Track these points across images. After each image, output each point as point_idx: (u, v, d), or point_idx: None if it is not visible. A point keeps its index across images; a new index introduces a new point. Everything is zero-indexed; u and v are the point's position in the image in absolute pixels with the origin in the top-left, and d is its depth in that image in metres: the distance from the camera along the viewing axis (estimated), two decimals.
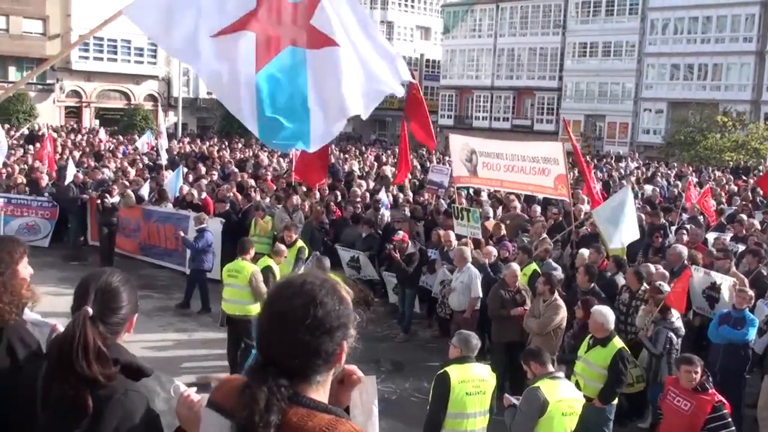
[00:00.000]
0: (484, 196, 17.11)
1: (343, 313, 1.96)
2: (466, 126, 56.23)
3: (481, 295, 10.89)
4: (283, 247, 11.56)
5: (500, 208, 16.45)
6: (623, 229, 11.64)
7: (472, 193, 17.47)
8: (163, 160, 21.62)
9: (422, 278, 13.02)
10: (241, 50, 4.70)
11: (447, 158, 29.70)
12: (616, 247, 11.56)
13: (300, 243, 12.56)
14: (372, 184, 19.91)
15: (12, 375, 2.81)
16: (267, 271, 10.44)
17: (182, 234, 13.93)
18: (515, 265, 10.63)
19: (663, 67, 51.36)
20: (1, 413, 2.79)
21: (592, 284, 9.99)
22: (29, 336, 2.94)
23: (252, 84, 4.71)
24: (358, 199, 16.64)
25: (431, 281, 12.88)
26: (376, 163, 27.35)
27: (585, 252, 11.53)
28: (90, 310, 2.52)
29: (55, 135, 30.62)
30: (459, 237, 12.82)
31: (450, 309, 11.43)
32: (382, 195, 16.98)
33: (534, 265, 11.28)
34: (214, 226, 15.34)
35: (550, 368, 6.51)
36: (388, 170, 22.34)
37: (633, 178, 24.87)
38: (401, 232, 13.22)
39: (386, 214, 15.11)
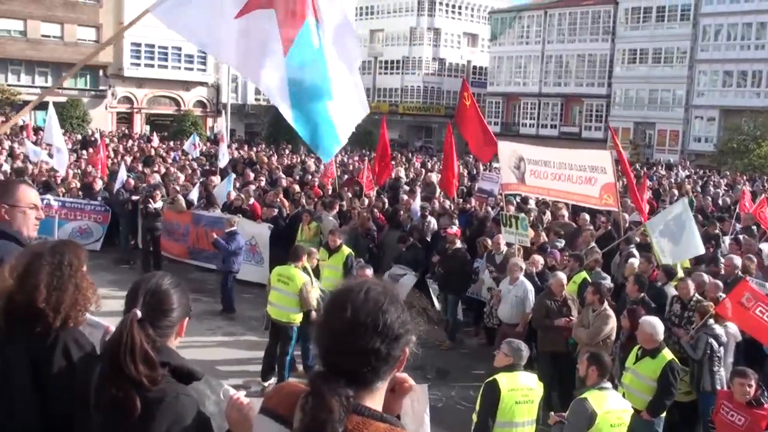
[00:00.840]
0: (531, 203, 16.97)
1: (406, 320, 1.96)
2: (512, 133, 55.91)
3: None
4: (314, 249, 11.65)
5: (548, 215, 16.29)
6: (685, 244, 11.34)
7: (519, 201, 17.33)
8: (222, 163, 21.79)
9: (470, 290, 12.99)
10: (265, 26, 4.69)
11: (494, 165, 29.57)
12: (671, 262, 11.30)
13: (347, 249, 12.58)
14: (418, 191, 19.88)
15: (67, 376, 2.86)
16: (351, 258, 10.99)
17: (215, 235, 14.07)
18: (561, 275, 10.48)
19: (715, 74, 50.44)
20: (59, 413, 2.85)
21: (642, 294, 9.83)
22: (84, 338, 2.98)
23: (282, 68, 4.69)
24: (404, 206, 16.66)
25: (477, 290, 12.82)
26: (422, 170, 27.32)
27: (635, 261, 11.34)
28: (138, 313, 2.55)
29: (107, 140, 31.21)
30: (507, 245, 12.73)
31: (498, 319, 11.32)
32: (416, 204, 16.90)
33: (584, 274, 11.14)
34: (263, 232, 15.52)
35: (603, 383, 6.40)
36: (434, 177, 22.29)
37: (689, 187, 24.36)
38: (455, 227, 13.30)
39: (433, 221, 15.07)
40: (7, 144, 27.58)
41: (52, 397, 2.88)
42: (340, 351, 1.90)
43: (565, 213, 15.65)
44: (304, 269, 10.52)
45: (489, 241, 13.07)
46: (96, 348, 2.97)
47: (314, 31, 4.75)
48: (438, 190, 19.77)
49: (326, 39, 4.81)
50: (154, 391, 2.47)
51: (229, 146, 29.76)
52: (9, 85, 46.85)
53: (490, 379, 6.61)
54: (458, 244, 13.00)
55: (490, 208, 16.94)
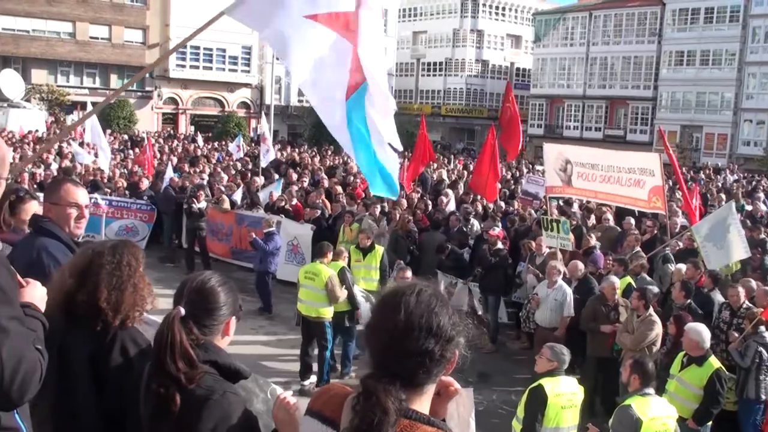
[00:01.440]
0: (575, 207, 16.78)
1: (457, 321, 1.95)
2: (556, 135, 55.43)
3: (573, 313, 10.65)
4: (343, 249, 11.70)
5: (592, 219, 16.09)
6: (727, 248, 11.15)
7: (562, 204, 17.14)
8: (264, 164, 21.94)
9: (515, 294, 12.92)
10: (340, 57, 4.57)
11: (537, 167, 29.35)
12: (716, 267, 11.10)
13: (380, 248, 12.62)
14: (460, 193, 19.80)
15: (124, 372, 2.91)
16: (342, 273, 10.56)
17: (254, 235, 14.17)
18: (614, 279, 10.32)
19: (765, 77, 49.41)
20: (115, 408, 2.91)
21: (689, 300, 9.66)
22: (141, 336, 3.04)
23: (343, 109, 4.60)
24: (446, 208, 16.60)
25: (522, 294, 12.72)
26: (464, 172, 27.21)
27: (682, 267, 11.15)
28: (182, 310, 2.59)
29: (152, 140, 31.65)
30: (548, 248, 12.63)
31: (534, 323, 11.22)
32: (451, 205, 16.80)
33: (629, 279, 10.98)
34: (305, 232, 15.60)
35: (646, 389, 6.30)
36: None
37: (739, 191, 23.85)
38: (498, 229, 13.25)
39: (476, 224, 14.99)
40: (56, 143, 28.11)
41: (108, 392, 2.94)
42: (393, 353, 1.90)
43: (610, 217, 15.44)
44: (342, 270, 10.59)
45: (533, 244, 12.99)
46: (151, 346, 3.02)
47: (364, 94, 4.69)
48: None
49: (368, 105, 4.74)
50: (202, 388, 2.50)
51: (271, 147, 29.91)
52: (58, 86, 47.80)
53: (535, 384, 6.55)
54: (499, 245, 12.93)
55: (533, 211, 16.80)
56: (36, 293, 2.54)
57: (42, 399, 2.53)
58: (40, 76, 48.12)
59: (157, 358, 2.54)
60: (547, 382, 6.47)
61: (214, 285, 2.72)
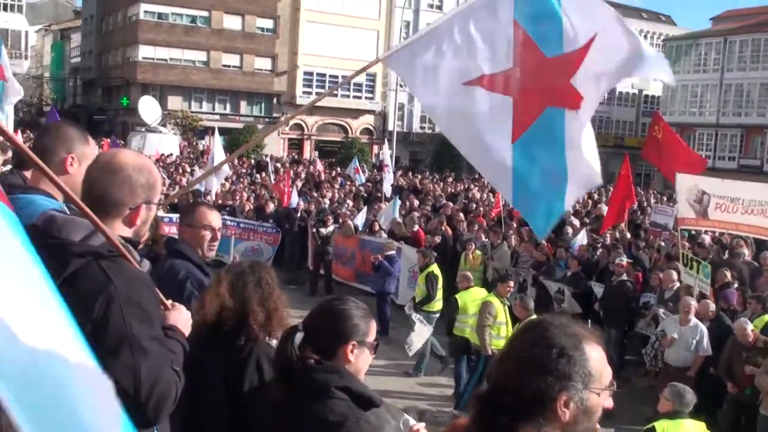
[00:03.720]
0: (707, 239, 16.00)
1: (568, 362, 1.80)
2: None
3: (710, 352, 10.13)
4: (469, 274, 11.86)
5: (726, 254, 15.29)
6: None
7: (693, 234, 16.38)
8: (386, 190, 22.17)
9: (639, 324, 12.43)
10: (496, 115, 4.52)
11: (665, 199, 28.33)
12: None
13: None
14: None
15: (258, 389, 2.96)
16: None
17: (380, 258, 14.24)
18: (743, 320, 9.78)
19: None
20: (245, 423, 2.96)
21: None
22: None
23: (508, 154, 4.51)
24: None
25: (643, 326, 12.24)
26: (589, 201, 26.55)
27: None
28: (300, 329, 2.63)
29: (278, 165, 32.57)
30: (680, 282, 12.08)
31: (661, 363, 10.69)
32: (581, 235, 16.34)
33: (767, 318, 10.34)
34: None
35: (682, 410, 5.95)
36: (604, 209, 21.56)
37: None
38: (624, 258, 12.86)
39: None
40: (188, 168, 29.40)
41: (241, 407, 2.99)
42: (499, 376, 1.86)
43: (746, 251, 14.63)
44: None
45: (662, 274, 12.50)
46: None
47: (554, 117, 4.52)
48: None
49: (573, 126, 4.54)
50: (336, 415, 2.49)
51: (393, 173, 30.20)
52: (192, 112, 50.03)
53: (649, 426, 6.25)
54: (624, 276, 12.50)
55: (662, 243, 16.17)
56: (180, 317, 2.60)
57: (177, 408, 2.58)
58: (175, 102, 50.53)
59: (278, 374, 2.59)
60: (661, 424, 6.14)
61: (340, 308, 2.72)
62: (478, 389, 1.93)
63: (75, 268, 2.27)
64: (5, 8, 63.48)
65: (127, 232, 2.54)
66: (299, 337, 2.60)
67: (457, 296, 11.19)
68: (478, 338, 10.16)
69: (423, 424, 2.64)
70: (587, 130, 4.55)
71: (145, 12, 50.42)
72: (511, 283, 10.47)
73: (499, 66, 4.49)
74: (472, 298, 10.90)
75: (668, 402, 6.34)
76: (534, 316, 9.29)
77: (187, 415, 2.99)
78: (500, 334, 10.00)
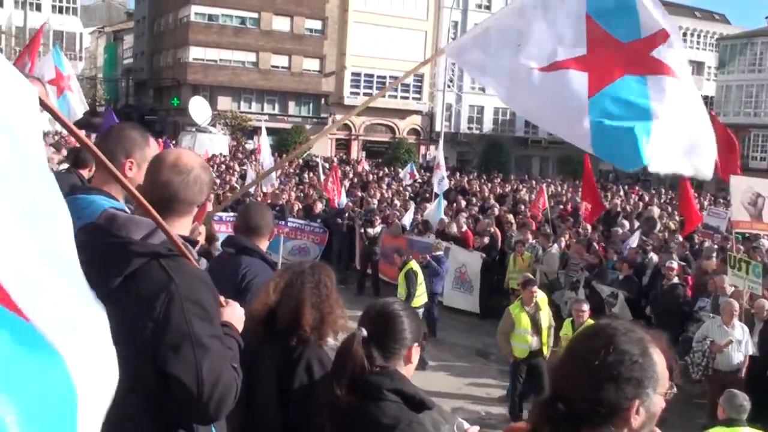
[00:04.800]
0: (765, 243, 15.62)
1: (640, 368, 1.79)
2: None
3: (753, 351, 9.89)
4: (530, 275, 11.72)
5: None
6: None
7: (747, 236, 16.01)
8: (440, 190, 22.05)
9: (692, 330, 12.18)
10: (571, 84, 4.50)
11: (720, 200, 27.78)
12: None
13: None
14: (636, 225, 19.02)
15: (307, 390, 2.97)
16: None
17: (428, 257, 14.20)
18: None
19: None
20: (296, 421, 2.98)
21: None
22: (327, 357, 3.08)
23: (584, 108, 4.46)
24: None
25: (695, 330, 12.00)
26: (640, 203, 26.20)
27: None
28: (364, 331, 2.59)
29: (326, 165, 32.73)
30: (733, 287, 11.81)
31: (708, 370, 10.38)
32: (634, 238, 16.05)
33: None
34: (474, 260, 15.51)
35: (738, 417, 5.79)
36: (655, 211, 21.26)
37: None
38: (675, 263, 12.64)
39: (654, 257, 14.30)
40: (237, 167, 29.74)
41: (292, 405, 3.01)
42: (560, 378, 1.86)
43: None
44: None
45: (717, 278, 12.23)
46: None
47: (636, 84, 4.46)
48: (658, 225, 18.79)
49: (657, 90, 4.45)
50: (388, 417, 2.49)
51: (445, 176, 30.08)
52: (241, 112, 50.56)
53: None
54: (676, 280, 12.28)
55: (715, 245, 15.83)
56: (235, 314, 2.62)
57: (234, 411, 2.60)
58: (225, 102, 51.11)
59: (335, 376, 2.57)
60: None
61: (396, 310, 2.72)
62: (540, 397, 1.89)
63: (136, 267, 2.30)
64: (61, 11, 64.85)
65: (185, 231, 2.57)
66: (364, 340, 2.60)
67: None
68: (500, 344, 10.30)
69: (477, 428, 2.63)
70: (692, 107, 4.46)
71: (196, 14, 51.10)
72: (535, 289, 10.10)
73: (573, 53, 4.49)
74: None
75: (723, 408, 6.21)
76: (590, 321, 9.18)
77: (241, 413, 3.02)
78: (520, 342, 9.86)
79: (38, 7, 58.32)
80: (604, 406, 1.77)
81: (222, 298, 2.60)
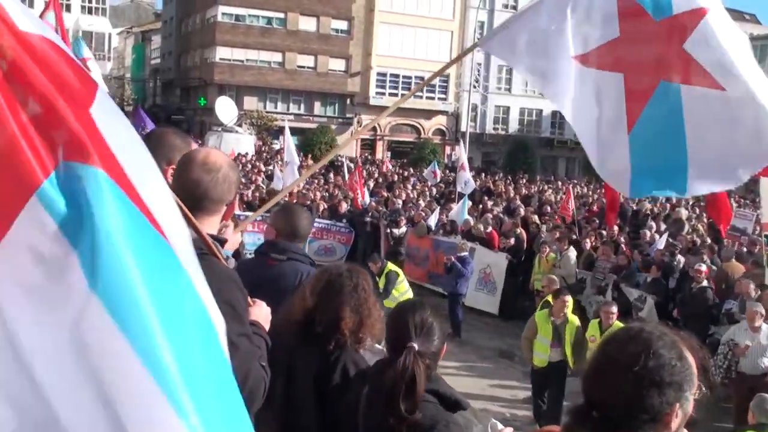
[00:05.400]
0: None
1: (679, 371, 1.80)
2: None
3: None
4: (554, 277, 11.55)
5: None
6: None
7: None
8: (467, 190, 21.98)
9: (719, 332, 12.07)
10: (609, 94, 4.25)
11: (745, 201, 27.47)
12: None
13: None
14: (663, 227, 18.87)
15: (342, 395, 2.98)
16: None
17: (453, 258, 14.18)
18: None
19: None
20: (331, 421, 2.99)
21: None
22: (362, 360, 3.10)
23: (625, 145, 4.24)
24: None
25: (722, 332, 11.88)
26: (667, 205, 25.96)
27: None
28: (416, 346, 2.61)
29: (351, 165, 32.80)
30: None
31: (731, 373, 10.23)
32: (662, 240, 15.89)
33: None
34: (499, 261, 15.47)
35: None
36: (683, 212, 21.06)
37: None
38: (704, 265, 12.50)
39: (681, 259, 14.18)
40: (262, 167, 29.89)
41: (328, 407, 3.03)
42: (595, 386, 1.85)
43: None
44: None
45: (744, 281, 12.10)
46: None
47: (669, 93, 4.16)
48: (686, 227, 18.62)
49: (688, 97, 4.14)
50: (426, 417, 2.51)
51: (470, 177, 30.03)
52: (267, 112, 50.80)
53: None
54: (704, 283, 12.15)
55: (744, 248, 15.66)
56: (261, 312, 2.63)
57: (266, 410, 2.61)
58: (251, 102, 51.41)
59: (391, 392, 2.57)
60: None
61: (430, 317, 2.76)
62: (573, 404, 1.90)
63: None
64: (90, 11, 65.61)
65: (214, 230, 2.60)
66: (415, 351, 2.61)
67: (548, 298, 10.42)
68: (522, 348, 10.11)
69: (511, 429, 2.65)
70: (728, 114, 4.11)
71: (223, 14, 51.44)
72: (567, 299, 9.64)
73: (605, 37, 4.24)
74: None
75: (753, 413, 6.16)
76: (618, 323, 9.12)
77: (279, 419, 3.05)
78: (539, 351, 9.53)
79: (68, 8, 58.96)
80: (647, 412, 1.77)
81: (250, 298, 2.62)
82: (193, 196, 2.48)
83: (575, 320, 9.66)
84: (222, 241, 2.61)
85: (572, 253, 14.95)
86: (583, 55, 4.24)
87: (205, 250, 2.37)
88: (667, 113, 4.15)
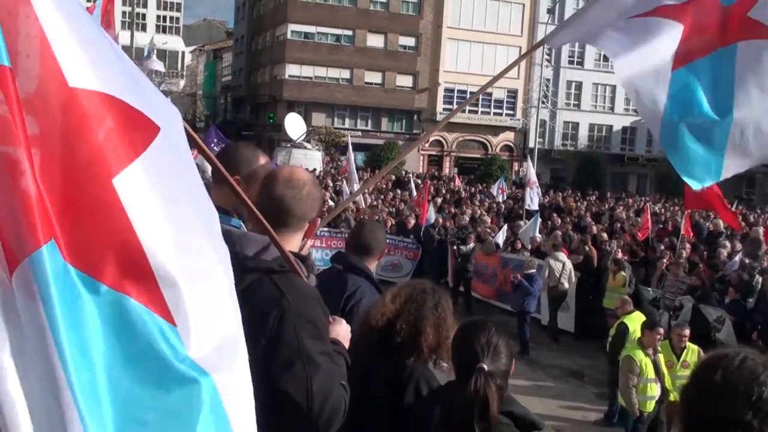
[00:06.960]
0: None
1: None
2: None
3: None
4: (627, 298, 11.16)
5: None
6: None
7: None
8: (534, 206, 21.78)
9: None
10: (661, 34, 4.16)
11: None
12: None
13: None
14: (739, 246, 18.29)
15: (412, 412, 2.95)
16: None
17: (519, 276, 14.03)
18: None
19: None
20: None
21: None
22: (434, 379, 3.07)
23: (666, 79, 4.14)
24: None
25: None
26: (743, 223, 25.21)
27: None
28: (485, 367, 2.58)
29: (419, 181, 32.83)
30: None
31: None
32: (736, 259, 15.38)
33: None
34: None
35: None
36: (760, 231, 20.39)
37: None
38: None
39: (760, 279, 13.73)
40: (330, 183, 30.15)
41: (400, 422, 3.00)
42: (699, 417, 1.77)
43: None
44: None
45: None
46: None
47: (724, 54, 4.07)
48: (764, 246, 18.01)
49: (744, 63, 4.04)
50: None
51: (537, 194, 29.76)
52: (335, 128, 51.26)
53: None
54: None
55: None
56: (342, 330, 2.62)
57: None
58: (319, 119, 51.97)
59: (464, 417, 2.55)
60: None
61: (497, 336, 2.74)
62: None
63: (249, 283, 2.33)
64: (164, 30, 67.51)
65: (295, 247, 2.61)
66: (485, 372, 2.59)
67: (625, 320, 10.05)
68: (624, 400, 8.79)
69: None
70: None
71: (292, 32, 52.26)
72: (661, 331, 8.91)
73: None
74: (641, 319, 9.73)
75: None
76: (692, 346, 8.86)
77: (352, 426, 3.03)
78: (648, 394, 8.58)
79: (143, 27, 60.75)
80: None
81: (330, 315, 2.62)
82: (276, 212, 2.50)
83: (694, 348, 9.01)
84: (304, 259, 2.62)
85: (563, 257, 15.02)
86: (644, 12, 4.16)
87: (287, 267, 2.39)
88: (715, 68, 4.05)
